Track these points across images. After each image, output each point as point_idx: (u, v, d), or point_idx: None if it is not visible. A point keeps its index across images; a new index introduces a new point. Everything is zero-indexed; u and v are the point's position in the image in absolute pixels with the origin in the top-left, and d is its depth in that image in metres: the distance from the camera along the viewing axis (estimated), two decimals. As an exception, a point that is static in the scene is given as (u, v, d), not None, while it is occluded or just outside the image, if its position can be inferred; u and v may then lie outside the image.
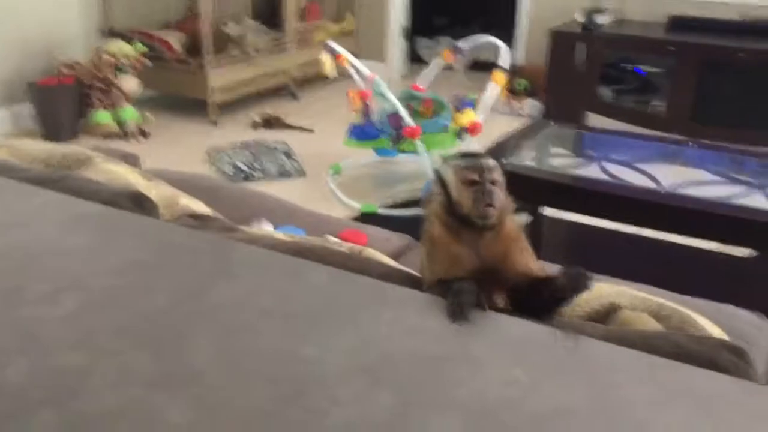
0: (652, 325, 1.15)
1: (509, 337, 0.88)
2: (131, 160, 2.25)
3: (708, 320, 1.13)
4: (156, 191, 1.84)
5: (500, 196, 1.07)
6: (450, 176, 1.09)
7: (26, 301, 0.93)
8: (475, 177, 1.06)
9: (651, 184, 2.55)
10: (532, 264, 1.10)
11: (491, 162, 1.09)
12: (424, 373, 0.82)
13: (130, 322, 0.90)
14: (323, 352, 0.85)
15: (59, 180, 1.32)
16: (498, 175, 1.08)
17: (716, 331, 1.10)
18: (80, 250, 1.06)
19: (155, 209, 1.28)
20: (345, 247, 1.43)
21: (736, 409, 0.76)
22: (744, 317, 1.68)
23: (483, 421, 0.74)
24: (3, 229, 1.12)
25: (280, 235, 1.63)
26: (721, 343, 0.88)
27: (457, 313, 0.94)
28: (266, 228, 2.00)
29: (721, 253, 2.92)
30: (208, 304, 0.94)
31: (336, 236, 2.07)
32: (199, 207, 1.86)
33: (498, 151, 2.77)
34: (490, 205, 1.04)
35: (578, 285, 1.04)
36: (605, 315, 1.16)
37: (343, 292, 0.99)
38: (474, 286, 1.00)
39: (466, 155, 1.12)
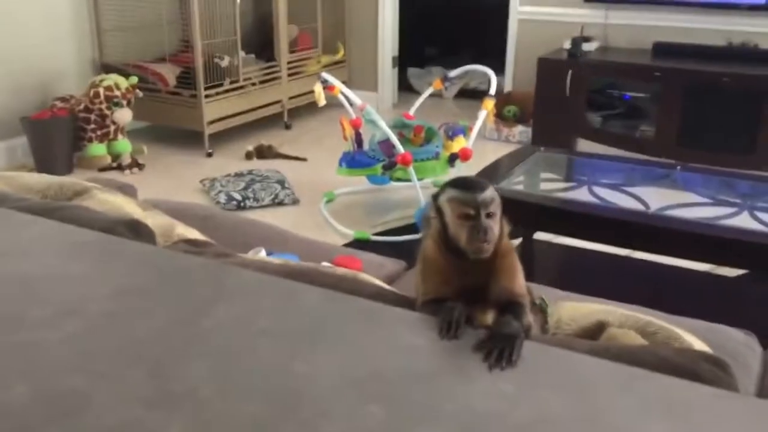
0: (639, 341, 1.18)
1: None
2: (128, 190, 2.28)
3: (695, 337, 1.16)
4: (152, 220, 1.87)
5: (496, 229, 1.06)
6: (446, 208, 1.08)
7: (26, 326, 0.96)
8: (471, 212, 1.05)
9: (640, 207, 2.59)
10: (517, 284, 1.10)
11: (488, 194, 1.07)
12: (414, 387, 0.84)
13: (128, 344, 0.93)
14: (315, 369, 0.87)
15: (57, 209, 1.35)
16: (495, 207, 1.07)
17: (701, 347, 1.13)
18: (79, 276, 1.09)
19: (152, 236, 1.31)
20: (339, 272, 1.45)
21: (714, 418, 0.79)
22: (734, 336, 1.71)
23: (468, 431, 0.77)
24: (2, 257, 1.15)
25: (275, 260, 1.66)
26: (702, 355, 0.91)
27: (448, 330, 0.96)
28: (261, 255, 2.02)
29: (710, 274, 2.96)
30: (204, 326, 0.96)
31: (330, 262, 2.10)
32: (195, 235, 1.89)
33: (487, 176, 2.81)
34: (485, 241, 1.03)
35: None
36: (594, 333, 1.19)
37: (335, 312, 1.02)
38: (462, 307, 1.03)
39: (464, 184, 1.09)
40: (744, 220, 2.50)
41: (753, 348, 1.78)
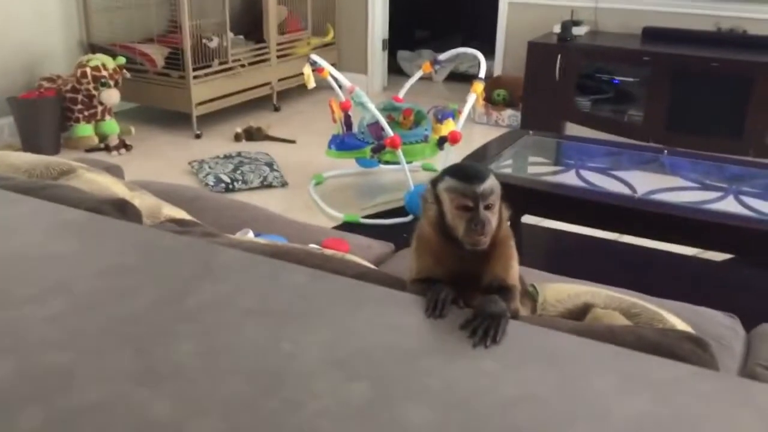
0: (622, 321, 1.19)
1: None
2: (115, 171, 2.28)
3: (678, 318, 1.18)
4: (139, 201, 1.87)
5: (494, 221, 1.03)
6: (444, 197, 1.05)
7: (13, 303, 0.96)
8: (469, 204, 1.02)
9: (626, 191, 2.61)
10: (510, 273, 1.08)
11: (488, 185, 1.03)
12: (398, 365, 0.85)
13: (114, 323, 0.93)
14: (300, 348, 0.88)
15: (43, 188, 1.35)
16: (494, 198, 1.04)
17: (684, 328, 1.15)
18: (65, 255, 1.09)
19: (138, 215, 1.30)
20: (326, 253, 1.46)
21: (691, 394, 0.80)
22: (718, 319, 1.73)
23: (454, 409, 0.78)
24: (-12, 235, 1.15)
25: (262, 241, 1.66)
26: (683, 334, 0.93)
27: (435, 309, 0.97)
28: (249, 236, 2.02)
29: (697, 258, 2.98)
30: (190, 305, 0.97)
31: (319, 244, 2.10)
32: (182, 216, 1.89)
33: (476, 159, 2.82)
34: (482, 234, 1.01)
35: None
36: (580, 314, 1.20)
37: (321, 291, 1.02)
38: (450, 288, 1.03)
39: (464, 174, 1.05)
40: (729, 205, 2.53)
41: (736, 330, 1.80)
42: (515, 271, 1.10)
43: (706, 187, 2.69)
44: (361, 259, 1.78)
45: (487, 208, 1.03)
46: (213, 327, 0.92)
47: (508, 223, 1.14)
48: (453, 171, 1.07)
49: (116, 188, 1.87)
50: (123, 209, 1.28)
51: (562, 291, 1.30)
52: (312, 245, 2.06)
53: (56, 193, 1.32)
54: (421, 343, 0.90)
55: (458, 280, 1.05)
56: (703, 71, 4.24)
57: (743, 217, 2.40)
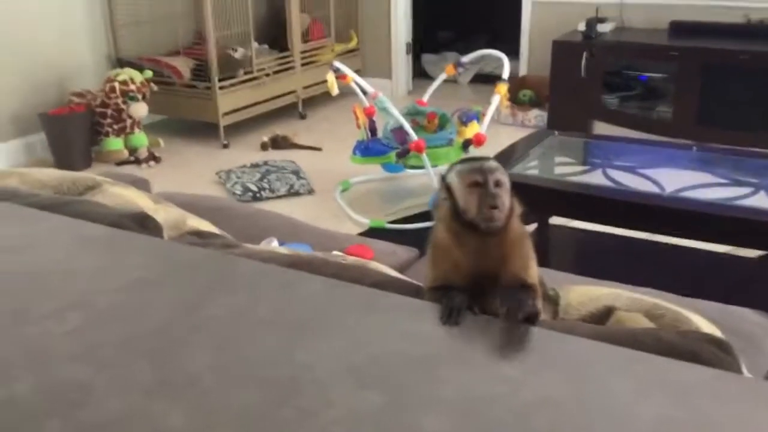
0: (645, 324, 1.17)
1: (494, 337, 0.91)
2: (141, 184, 2.31)
3: (703, 319, 1.16)
4: (164, 213, 1.89)
5: (505, 199, 1.05)
6: (455, 181, 1.08)
7: (32, 319, 0.97)
8: (479, 179, 1.05)
9: (655, 189, 2.57)
10: (530, 273, 1.07)
11: (494, 164, 1.08)
12: (413, 373, 0.85)
13: (132, 335, 0.94)
14: (315, 357, 0.88)
15: (66, 204, 1.37)
16: (502, 177, 1.06)
17: (708, 328, 1.13)
18: (85, 270, 1.10)
19: (159, 229, 1.32)
20: (346, 261, 1.46)
21: (711, 397, 0.78)
22: (750, 317, 1.70)
23: (471, 416, 0.77)
24: (11, 252, 1.17)
25: (284, 250, 1.67)
26: (704, 336, 0.91)
27: (450, 317, 0.96)
28: (273, 245, 2.03)
29: (728, 255, 2.93)
30: (206, 317, 0.97)
31: (342, 251, 2.11)
32: (206, 227, 1.91)
33: (502, 160, 2.80)
34: (495, 207, 1.02)
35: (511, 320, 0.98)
36: (602, 317, 1.18)
37: (335, 300, 1.02)
38: (466, 294, 1.02)
39: (469, 159, 1.11)
40: (761, 200, 2.47)
41: (766, 328, 1.77)
42: (534, 271, 1.08)
43: (736, 183, 2.64)
44: (385, 265, 1.78)
45: (497, 185, 1.05)
46: (227, 338, 0.93)
47: (528, 229, 1.14)
48: (459, 161, 1.13)
49: (141, 201, 1.89)
50: (143, 223, 1.30)
51: (584, 294, 1.28)
52: (335, 252, 2.06)
53: (78, 209, 1.34)
54: (436, 351, 0.89)
55: (475, 286, 1.04)
56: (733, 65, 4.16)
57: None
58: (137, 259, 1.15)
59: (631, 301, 1.24)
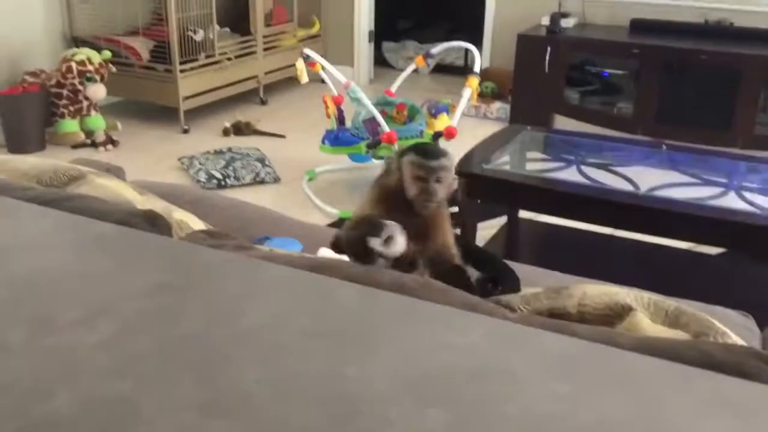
0: (676, 333, 1.18)
1: (546, 351, 0.91)
2: (117, 172, 2.23)
3: (727, 327, 1.17)
4: (150, 205, 1.83)
5: (441, 192, 1.37)
6: (405, 168, 1.38)
7: (59, 328, 0.92)
8: (422, 175, 1.35)
9: (630, 187, 2.62)
10: (448, 242, 1.44)
11: (440, 163, 1.37)
12: (468, 389, 0.83)
13: (169, 346, 0.90)
14: (366, 372, 0.86)
15: (66, 200, 1.31)
16: (445, 174, 1.37)
17: (736, 338, 1.15)
18: (104, 273, 1.05)
19: (168, 228, 1.27)
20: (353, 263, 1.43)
21: (773, 416, 0.79)
22: (734, 318, 1.74)
23: (535, 435, 0.76)
24: (18, 253, 1.11)
25: (295, 254, 1.63)
26: (748, 351, 0.92)
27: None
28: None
29: (692, 252, 3.01)
30: (245, 326, 0.94)
31: (329, 246, 2.08)
32: (193, 221, 1.86)
33: (475, 156, 2.81)
34: (430, 201, 1.36)
35: (485, 293, 1.34)
36: (617, 316, 1.19)
37: (374, 310, 1.00)
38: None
39: (423, 151, 1.39)
40: (732, 200, 2.54)
41: (751, 330, 1.82)
42: (452, 243, 1.47)
43: (707, 183, 2.71)
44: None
45: (437, 181, 1.37)
46: (273, 350, 0.89)
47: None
48: (415, 148, 1.42)
49: (127, 193, 1.83)
50: (153, 222, 1.25)
51: (603, 292, 1.29)
52: (322, 248, 2.03)
53: (81, 205, 1.28)
54: (484, 364, 0.88)
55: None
56: (692, 63, 4.27)
57: (747, 213, 2.42)
58: (155, 262, 1.11)
59: (653, 303, 1.24)
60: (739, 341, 1.10)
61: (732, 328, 1.69)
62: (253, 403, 0.80)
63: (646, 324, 1.13)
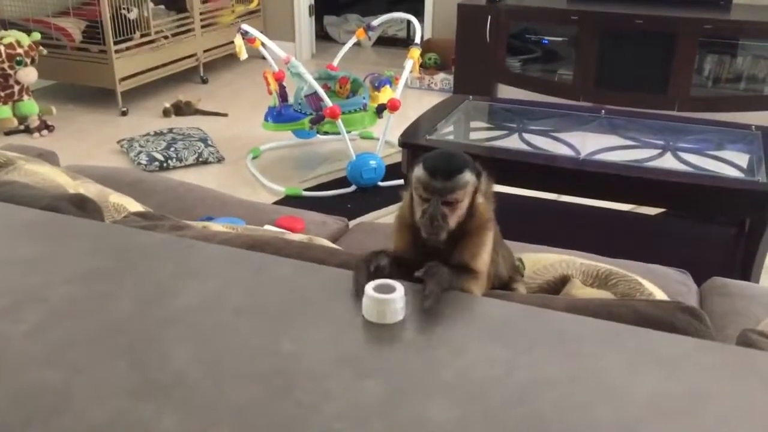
0: (600, 293, 1.21)
1: (484, 319, 0.91)
2: (50, 157, 2.17)
3: (654, 285, 1.20)
4: (83, 189, 1.78)
5: (452, 218, 1.01)
6: (412, 182, 1.04)
7: (-16, 318, 0.89)
8: (424, 195, 1.01)
9: (570, 152, 2.65)
10: (478, 258, 1.04)
11: (451, 183, 1.01)
12: (407, 359, 0.84)
13: (100, 331, 0.88)
14: (303, 346, 0.85)
15: (-8, 187, 1.26)
16: (458, 195, 1.01)
17: (661, 295, 1.17)
18: (32, 260, 1.02)
19: (99, 211, 1.24)
20: (296, 237, 1.42)
21: (700, 369, 0.81)
22: (672, 276, 1.78)
23: (471, 399, 0.77)
24: (-59, 243, 1.07)
25: (221, 227, 1.61)
26: (676, 305, 0.94)
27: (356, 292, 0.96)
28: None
29: (632, 213, 3.07)
30: (178, 307, 0.92)
31: (272, 224, 2.06)
32: (131, 203, 1.82)
33: (419, 127, 2.81)
34: (436, 230, 1.00)
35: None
36: (558, 285, 1.21)
37: (309, 284, 0.99)
38: (388, 261, 1.02)
39: (432, 165, 1.02)
40: (668, 161, 2.59)
41: (689, 286, 1.87)
42: (484, 259, 1.05)
43: (645, 145, 2.76)
44: (318, 236, 1.76)
45: (447, 203, 1.01)
46: (207, 329, 0.88)
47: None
48: (427, 159, 1.05)
49: (59, 178, 1.78)
50: (82, 206, 1.21)
51: (537, 262, 1.31)
52: (267, 226, 2.01)
53: (7, 192, 1.24)
54: (424, 335, 0.88)
55: (428, 260, 1.02)
56: (628, 28, 4.32)
57: (683, 173, 2.47)
58: (85, 246, 1.08)
59: (584, 267, 1.27)
60: (665, 298, 1.13)
61: (670, 285, 1.74)
62: (187, 384, 0.79)
63: (577, 287, 1.15)
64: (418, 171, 1.03)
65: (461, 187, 1.02)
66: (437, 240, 1.01)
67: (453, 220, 1.02)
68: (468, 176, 1.03)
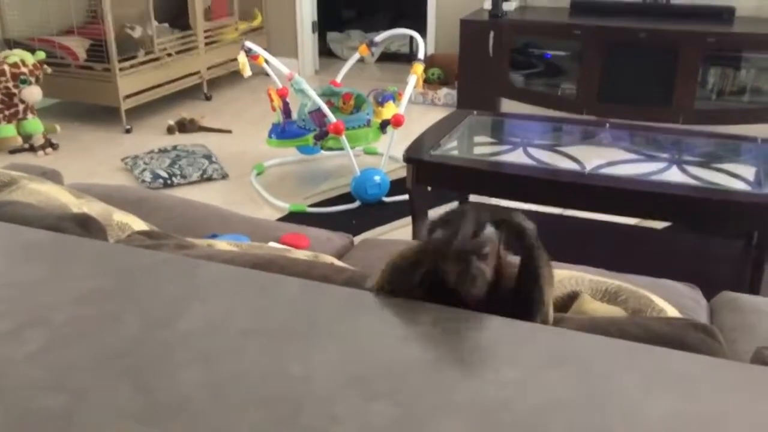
0: (609, 309, 1.19)
1: (493, 337, 0.90)
2: (53, 176, 2.17)
3: (665, 301, 1.18)
4: (87, 208, 1.78)
5: (488, 272, 0.93)
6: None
7: (-14, 341, 0.88)
8: (457, 258, 0.92)
9: (575, 167, 2.63)
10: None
11: (482, 239, 0.93)
12: (417, 381, 0.82)
13: (104, 355, 0.86)
14: (311, 369, 0.84)
15: (-6, 207, 1.25)
16: (487, 246, 0.93)
17: (673, 311, 1.15)
18: (34, 282, 1.01)
19: (103, 231, 1.22)
20: (301, 255, 1.41)
21: (716, 388, 0.80)
22: (681, 290, 1.76)
23: (483, 422, 0.75)
24: (-57, 265, 1.06)
25: (225, 245, 1.60)
26: (688, 322, 0.92)
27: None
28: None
29: (638, 226, 3.05)
30: (183, 330, 0.91)
31: (277, 241, 2.05)
32: (135, 222, 1.81)
33: (422, 142, 2.80)
34: (475, 288, 0.92)
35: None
36: (567, 302, 1.19)
37: (318, 304, 0.98)
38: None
39: (466, 215, 0.94)
40: (675, 175, 2.58)
41: (698, 301, 1.84)
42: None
43: (650, 159, 2.74)
44: (323, 253, 1.74)
45: (481, 258, 0.93)
46: (211, 353, 0.87)
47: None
48: (441, 222, 0.96)
49: (63, 197, 1.77)
50: (86, 225, 1.20)
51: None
52: (272, 243, 2.00)
53: (9, 212, 1.23)
54: (433, 355, 0.86)
55: None
56: (632, 42, 4.32)
57: (689, 186, 2.46)
58: (88, 267, 1.06)
59: (593, 284, 1.25)
60: (676, 314, 1.11)
61: (679, 300, 1.72)
62: (193, 409, 0.78)
63: (587, 301, 1.14)
64: (441, 236, 0.95)
65: (490, 236, 0.95)
66: (479, 295, 0.94)
67: (488, 275, 0.95)
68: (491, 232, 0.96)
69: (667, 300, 1.47)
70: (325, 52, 6.12)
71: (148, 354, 0.86)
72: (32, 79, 4.02)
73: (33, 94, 4.05)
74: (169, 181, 3.62)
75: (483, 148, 3.08)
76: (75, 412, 0.77)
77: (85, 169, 3.84)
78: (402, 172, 3.33)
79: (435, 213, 1.04)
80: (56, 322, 0.92)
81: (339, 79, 3.99)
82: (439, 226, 0.95)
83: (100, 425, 0.75)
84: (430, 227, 0.96)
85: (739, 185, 2.50)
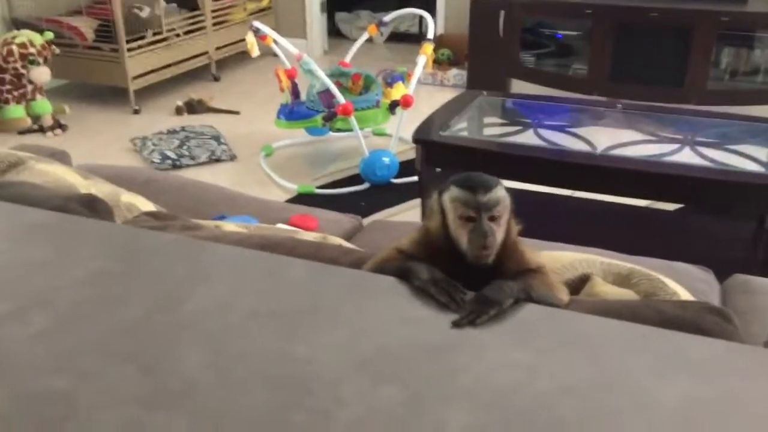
0: (622, 292, 1.17)
1: (504, 321, 0.88)
2: (62, 157, 2.16)
3: (677, 284, 1.16)
4: (95, 189, 1.77)
5: (499, 234, 0.98)
6: (448, 207, 1.00)
7: (-9, 322, 0.87)
8: (472, 214, 0.97)
9: (586, 148, 2.60)
10: (526, 256, 1.03)
11: (493, 196, 0.98)
12: (425, 363, 0.81)
13: (108, 336, 0.86)
14: (317, 351, 0.83)
15: (1, 188, 1.24)
16: (501, 210, 0.98)
17: (686, 294, 1.14)
18: (40, 262, 1.00)
19: (110, 212, 1.22)
20: (310, 237, 1.40)
21: (730, 372, 0.78)
22: (694, 273, 1.74)
23: (492, 406, 0.74)
24: (-52, 245, 1.05)
25: (234, 226, 1.59)
26: (703, 305, 0.91)
27: (452, 300, 0.90)
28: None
29: (649, 208, 3.02)
30: (189, 311, 0.90)
31: (285, 222, 2.04)
32: (142, 203, 1.80)
33: (432, 123, 2.77)
34: (486, 247, 0.96)
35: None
36: (579, 284, 1.17)
37: (324, 286, 0.97)
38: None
39: (468, 183, 0.99)
40: (687, 156, 2.55)
41: (711, 284, 1.82)
42: (532, 256, 1.03)
43: (662, 140, 2.71)
44: (331, 234, 1.73)
45: (492, 219, 0.98)
46: (218, 334, 0.86)
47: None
48: (459, 181, 1.01)
49: (70, 178, 1.76)
50: (92, 206, 1.19)
51: (556, 261, 1.27)
52: (280, 225, 1.99)
53: (16, 193, 1.22)
54: (442, 338, 0.85)
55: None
56: (644, 22, 4.26)
57: (702, 168, 2.43)
58: (94, 248, 1.06)
59: (605, 266, 1.23)
60: (689, 297, 1.09)
61: (692, 283, 1.70)
62: (198, 392, 0.77)
63: (599, 284, 1.12)
64: (455, 192, 1.00)
65: (503, 200, 1.00)
66: (486, 261, 0.97)
67: (499, 236, 0.99)
68: (503, 190, 1.01)
69: (680, 283, 1.46)
70: (334, 32, 6.07)
71: (153, 336, 0.86)
72: (41, 60, 4.01)
73: (42, 74, 4.04)
74: (177, 162, 3.61)
75: (493, 129, 3.05)
76: (80, 393, 0.76)
77: (94, 150, 3.83)
78: (411, 154, 3.30)
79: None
80: (60, 304, 0.91)
81: (348, 59, 3.96)
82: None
83: (105, 407, 0.74)
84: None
85: (751, 167, 2.47)
